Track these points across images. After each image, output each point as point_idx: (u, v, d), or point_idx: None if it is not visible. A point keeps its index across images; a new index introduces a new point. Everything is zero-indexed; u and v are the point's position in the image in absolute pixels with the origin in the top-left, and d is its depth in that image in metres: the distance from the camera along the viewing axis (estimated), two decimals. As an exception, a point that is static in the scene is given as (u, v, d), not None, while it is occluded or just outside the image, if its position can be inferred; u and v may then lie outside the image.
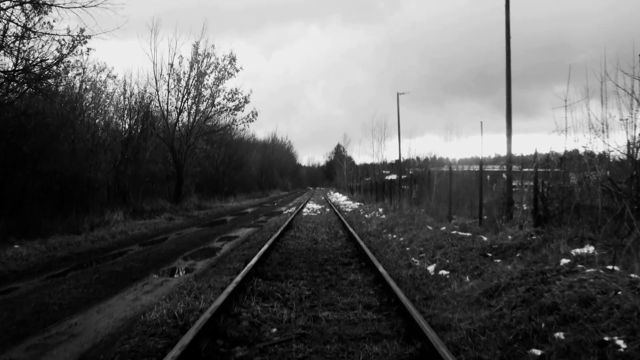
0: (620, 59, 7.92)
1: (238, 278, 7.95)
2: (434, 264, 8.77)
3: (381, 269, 8.37)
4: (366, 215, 22.45)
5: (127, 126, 32.29)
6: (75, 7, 17.15)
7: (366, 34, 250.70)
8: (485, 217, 15.12)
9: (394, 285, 7.06)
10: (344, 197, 53.09)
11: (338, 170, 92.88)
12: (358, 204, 37.01)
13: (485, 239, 9.58)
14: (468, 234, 10.02)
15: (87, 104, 29.31)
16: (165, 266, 11.38)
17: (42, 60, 19.33)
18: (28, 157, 19.71)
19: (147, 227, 21.75)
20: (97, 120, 30.36)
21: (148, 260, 12.15)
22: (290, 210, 32.26)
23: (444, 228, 11.18)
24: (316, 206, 37.56)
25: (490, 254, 8.11)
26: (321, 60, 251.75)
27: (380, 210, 22.37)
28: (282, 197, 73.33)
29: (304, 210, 32.38)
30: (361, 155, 69.84)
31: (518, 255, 7.63)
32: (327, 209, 32.83)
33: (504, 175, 21.69)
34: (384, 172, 54.05)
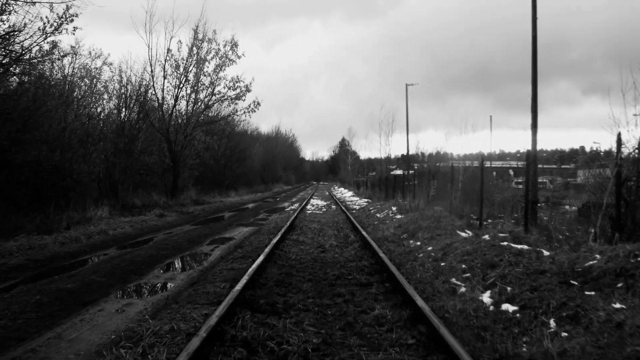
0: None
1: (218, 311, 5.60)
2: (489, 292, 6.38)
3: (418, 300, 5.99)
4: (378, 215, 20.03)
5: (122, 115, 29.84)
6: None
7: (367, 29, 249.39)
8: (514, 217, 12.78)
9: (446, 333, 4.69)
10: (350, 193, 50.67)
11: (342, 164, 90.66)
12: (366, 200, 34.59)
13: (547, 254, 7.20)
14: (525, 247, 7.63)
15: (79, 91, 27.21)
16: (134, 282, 9.01)
17: (16, 31, 16.97)
18: (-6, 145, 17.36)
19: (133, 225, 19.41)
20: (89, 109, 28.08)
21: (115, 273, 9.78)
22: (293, 207, 29.87)
23: (486, 237, 8.79)
24: (321, 202, 35.17)
25: (575, 282, 5.72)
26: (323, 55, 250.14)
27: (394, 209, 19.95)
28: (285, 191, 71.02)
29: (308, 207, 29.99)
30: (365, 151, 67.64)
31: (620, 285, 5.24)
32: (333, 206, 30.43)
33: (511, 172, 19.56)
34: (389, 167, 51.73)
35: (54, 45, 22.03)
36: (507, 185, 20.50)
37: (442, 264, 8.30)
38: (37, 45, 20.90)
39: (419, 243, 11.23)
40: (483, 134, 68.90)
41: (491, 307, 5.92)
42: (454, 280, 7.27)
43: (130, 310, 6.94)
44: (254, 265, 8.34)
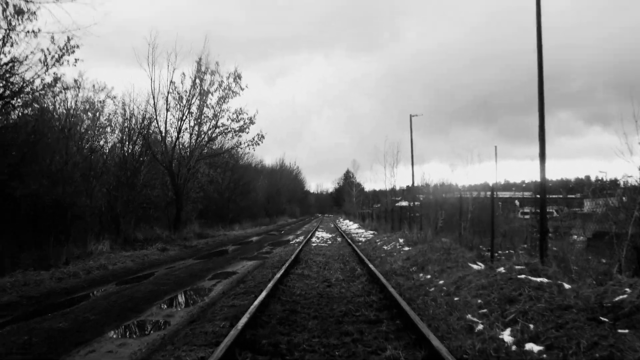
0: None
1: (216, 354, 5.14)
2: (510, 330, 5.89)
3: (433, 339, 5.52)
4: (385, 247, 19.52)
5: (125, 148, 29.58)
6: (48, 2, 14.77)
7: (369, 63, 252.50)
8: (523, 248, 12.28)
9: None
10: (355, 225, 50.13)
11: (347, 196, 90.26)
12: (371, 232, 34.07)
13: (569, 287, 6.72)
14: (545, 280, 7.14)
15: (82, 124, 27.06)
16: (131, 319, 8.54)
17: (18, 62, 16.82)
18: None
19: (134, 259, 18.96)
20: (92, 143, 27.90)
21: (112, 310, 9.32)
22: (298, 240, 29.38)
23: (502, 269, 8.29)
24: (326, 235, 34.66)
25: (605, 318, 5.25)
26: (326, 89, 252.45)
27: (401, 241, 19.44)
28: (289, 224, 70.47)
29: (313, 239, 29.48)
30: (369, 182, 67.36)
31: (656, 323, 4.78)
32: (339, 238, 29.92)
33: (517, 202, 19.20)
34: (394, 198, 51.26)
35: (56, 78, 21.89)
36: (514, 216, 20.02)
37: (456, 298, 7.80)
38: (38, 77, 20.87)
39: (429, 276, 10.73)
40: (488, 164, 68.64)
41: (513, 347, 5.42)
42: (469, 316, 6.78)
43: (123, 352, 6.47)
44: (256, 302, 7.88)
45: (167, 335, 7.20)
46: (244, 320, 6.63)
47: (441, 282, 9.51)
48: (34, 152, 19.80)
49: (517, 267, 8.25)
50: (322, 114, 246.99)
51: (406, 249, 17.30)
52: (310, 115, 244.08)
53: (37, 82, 21.38)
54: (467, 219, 15.15)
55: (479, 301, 7.19)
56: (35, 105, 21.62)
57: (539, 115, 13.07)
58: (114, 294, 11.30)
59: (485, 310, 6.83)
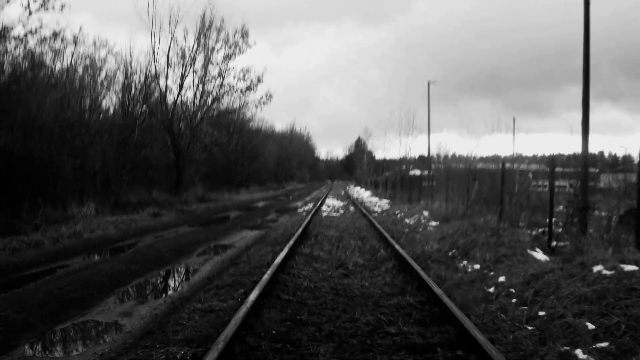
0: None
1: None
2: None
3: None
4: (407, 221, 16.84)
5: (125, 107, 27.12)
6: None
7: (378, 34, 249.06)
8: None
9: None
10: (367, 193, 47.44)
11: (358, 163, 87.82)
12: (386, 201, 31.41)
13: None
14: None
15: (82, 81, 24.75)
16: (66, 322, 6.01)
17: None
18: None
19: (118, 226, 16.51)
20: (91, 101, 25.65)
21: (49, 303, 6.77)
22: (306, 208, 26.78)
23: (600, 268, 5.61)
24: (337, 203, 32.05)
25: None
26: (335, 59, 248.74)
27: (426, 214, 16.75)
28: (298, 189, 68.07)
29: (323, 207, 26.88)
30: (380, 151, 64.73)
31: None
32: (351, 207, 27.28)
33: (530, 175, 16.80)
34: (404, 167, 48.66)
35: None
36: (533, 189, 17.42)
37: (542, 312, 5.17)
38: (20, 22, 18.77)
39: (477, 266, 8.06)
40: (499, 136, 65.52)
41: None
42: (581, 355, 4.18)
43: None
44: (244, 309, 5.28)
45: (105, 355, 4.68)
46: (216, 349, 4.05)
47: (502, 279, 6.83)
48: (8, 101, 17.31)
49: (625, 266, 5.57)
50: (332, 83, 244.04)
51: (433, 224, 14.67)
52: (319, 84, 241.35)
53: (19, 29, 19.26)
54: (514, 193, 12.47)
55: (590, 326, 4.54)
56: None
57: (583, 78, 10.50)
58: (68, 275, 8.79)
59: (606, 345, 4.20)
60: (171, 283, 8.47)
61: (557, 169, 22.31)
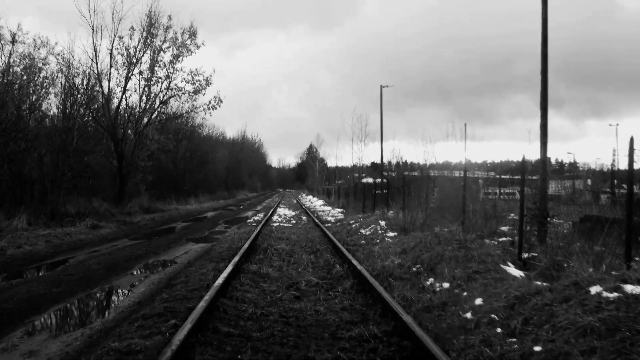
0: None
1: None
2: None
3: None
4: (363, 231, 15.99)
5: (64, 109, 25.41)
6: None
7: (328, 38, 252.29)
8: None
9: None
10: (320, 202, 46.64)
11: (310, 171, 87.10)
12: (339, 210, 30.64)
13: None
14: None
15: (18, 81, 23.06)
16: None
17: None
18: None
19: (51, 240, 15.10)
20: (29, 104, 24.00)
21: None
22: (257, 218, 25.71)
23: (600, 290, 4.78)
24: (289, 212, 31.07)
25: None
26: (285, 65, 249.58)
27: (383, 223, 15.94)
28: (250, 198, 66.68)
29: (275, 217, 25.86)
30: (332, 158, 64.18)
31: None
32: (304, 217, 26.36)
33: (480, 181, 16.41)
34: (356, 175, 48.15)
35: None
36: (482, 197, 16.91)
37: (538, 348, 4.27)
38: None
39: (447, 285, 7.21)
40: (448, 144, 65.91)
41: None
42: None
43: None
44: (169, 351, 4.26)
45: None
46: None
47: (479, 301, 5.98)
48: None
49: (630, 287, 4.78)
50: (283, 89, 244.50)
51: (391, 234, 13.88)
52: (270, 90, 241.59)
53: None
54: (479, 199, 11.75)
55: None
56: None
57: (541, 81, 10.04)
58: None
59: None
60: (94, 310, 7.32)
61: (505, 176, 22.10)
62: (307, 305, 6.75)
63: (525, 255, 8.40)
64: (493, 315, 5.35)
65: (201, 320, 5.33)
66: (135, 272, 10.17)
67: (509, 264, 7.89)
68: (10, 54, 23.29)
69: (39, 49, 24.66)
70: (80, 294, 8.16)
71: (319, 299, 7.14)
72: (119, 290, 8.51)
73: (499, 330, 5.00)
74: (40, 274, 10.09)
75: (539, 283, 5.92)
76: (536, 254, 8.41)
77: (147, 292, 8.10)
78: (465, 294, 6.58)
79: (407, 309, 6.15)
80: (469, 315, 5.68)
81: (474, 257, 7.96)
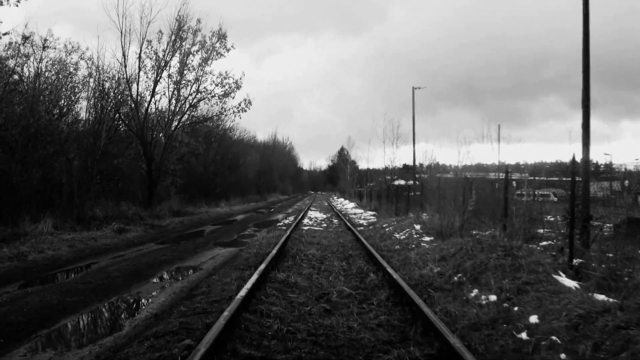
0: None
1: None
2: None
3: None
4: (397, 235, 15.18)
5: (94, 112, 25.23)
6: None
7: (356, 44, 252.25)
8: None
9: None
10: (352, 204, 45.83)
11: (341, 174, 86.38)
12: (371, 213, 29.85)
13: None
14: None
15: (50, 86, 22.95)
16: None
17: None
18: None
19: (74, 245, 14.71)
20: (60, 109, 23.98)
21: None
22: (287, 221, 25.09)
23: None
24: (320, 215, 30.39)
25: None
26: (316, 70, 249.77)
27: (418, 227, 15.12)
28: (281, 201, 66.30)
29: (305, 221, 25.19)
30: (363, 161, 63.40)
31: None
32: (335, 220, 25.64)
33: (514, 183, 15.49)
34: (388, 177, 47.23)
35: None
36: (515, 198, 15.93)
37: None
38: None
39: (494, 298, 6.41)
40: (478, 146, 64.54)
41: None
42: None
43: None
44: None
45: None
46: None
47: (534, 318, 5.18)
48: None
49: None
50: (313, 93, 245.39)
51: (427, 239, 13.06)
52: (300, 95, 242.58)
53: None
54: (523, 203, 10.88)
55: None
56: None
57: (582, 78, 9.24)
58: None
59: None
60: (107, 323, 6.71)
61: (541, 178, 21.06)
62: (339, 320, 6.00)
63: (575, 262, 7.59)
64: (554, 338, 4.53)
65: (218, 342, 4.65)
66: (156, 280, 9.59)
67: (560, 272, 7.05)
68: (41, 59, 23.15)
69: (69, 54, 24.54)
70: (96, 304, 7.59)
71: (351, 313, 6.39)
72: (137, 301, 7.91)
73: (563, 356, 4.19)
74: (57, 282, 9.59)
75: (602, 298, 5.08)
76: (583, 260, 7.60)
77: (167, 302, 7.47)
78: (516, 308, 5.75)
79: (452, 326, 5.38)
80: (524, 335, 4.88)
81: (523, 266, 7.10)
